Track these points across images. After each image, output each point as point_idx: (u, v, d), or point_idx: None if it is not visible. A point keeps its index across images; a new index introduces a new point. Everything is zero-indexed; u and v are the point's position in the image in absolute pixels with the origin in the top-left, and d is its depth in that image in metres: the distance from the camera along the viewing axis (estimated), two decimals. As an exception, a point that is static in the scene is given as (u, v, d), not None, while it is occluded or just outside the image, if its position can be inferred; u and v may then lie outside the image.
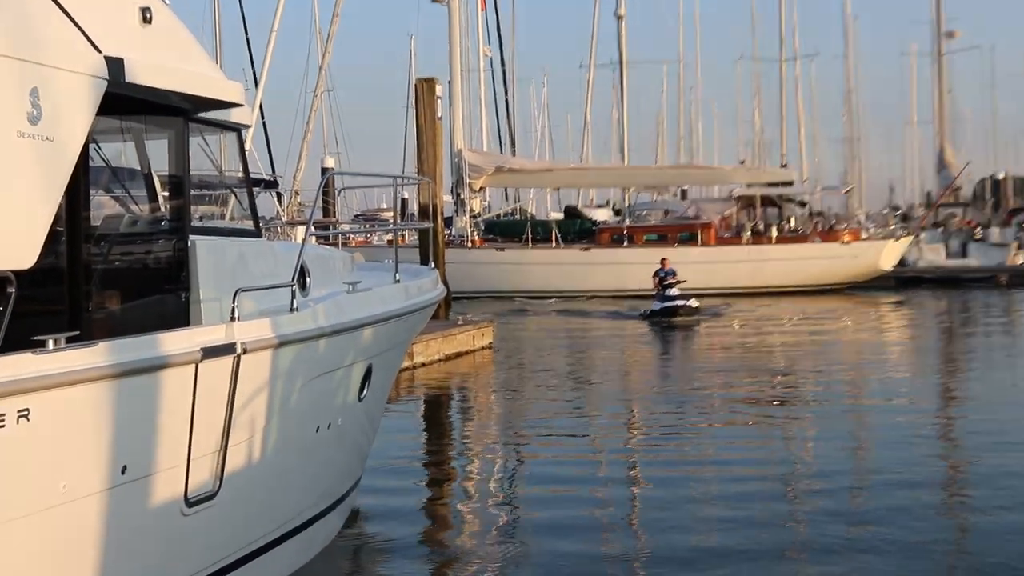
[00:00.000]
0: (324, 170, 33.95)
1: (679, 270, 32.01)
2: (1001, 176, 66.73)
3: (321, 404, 8.82)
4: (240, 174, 9.27)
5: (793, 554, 9.44)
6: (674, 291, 30.31)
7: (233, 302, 7.19)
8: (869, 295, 41.06)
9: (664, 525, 10.43)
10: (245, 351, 7.12)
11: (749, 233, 45.22)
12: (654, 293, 31.11)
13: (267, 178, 18.04)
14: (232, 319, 7.16)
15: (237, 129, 8.88)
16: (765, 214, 46.99)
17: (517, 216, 51.05)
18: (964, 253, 50.07)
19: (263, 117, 20.27)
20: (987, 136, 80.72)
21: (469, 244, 42.75)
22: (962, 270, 47.53)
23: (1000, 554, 9.41)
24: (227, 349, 6.98)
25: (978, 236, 51.62)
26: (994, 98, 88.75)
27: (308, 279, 8.57)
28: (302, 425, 8.47)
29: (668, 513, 10.90)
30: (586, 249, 43.82)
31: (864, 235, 48.19)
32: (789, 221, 47.59)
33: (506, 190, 53.49)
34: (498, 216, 50.08)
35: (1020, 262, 48.93)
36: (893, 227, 54.72)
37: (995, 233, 51.91)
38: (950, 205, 57.40)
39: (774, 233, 45.21)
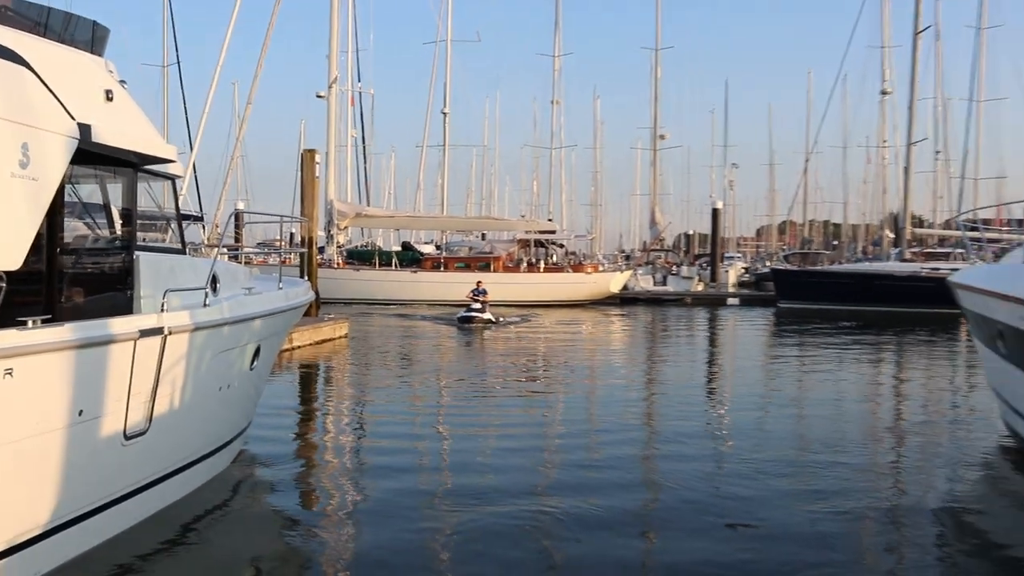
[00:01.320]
0: (236, 211, 33.76)
1: (487, 290, 32.60)
2: (690, 232, 68.69)
3: (222, 371, 8.95)
4: (172, 211, 9.39)
5: (543, 491, 9.51)
6: (477, 305, 30.53)
7: (163, 299, 7.57)
8: (603, 308, 42.02)
9: (463, 468, 10.44)
10: (170, 333, 7.45)
11: (525, 264, 46.02)
12: (465, 305, 31.28)
13: (195, 214, 17.93)
14: (161, 311, 7.49)
15: (172, 178, 9.03)
16: (537, 252, 47.69)
17: (369, 247, 51.12)
18: (665, 282, 51.34)
19: (195, 171, 20.13)
20: (683, 205, 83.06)
21: (336, 266, 42.89)
22: (663, 293, 48.70)
23: (680, 485, 9.71)
24: (157, 331, 7.31)
25: (674, 271, 53.10)
26: (689, 180, 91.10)
27: (218, 285, 8.83)
28: (208, 385, 8.66)
29: (465, 459, 10.97)
30: (415, 272, 44.22)
31: (601, 268, 49.23)
32: (552, 257, 48.39)
33: (363, 229, 53.60)
34: (356, 247, 50.12)
35: (699, 289, 50.53)
36: (620, 264, 56.13)
37: (685, 270, 53.54)
38: (657, 250, 58.72)
39: (542, 265, 46.11)
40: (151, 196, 8.83)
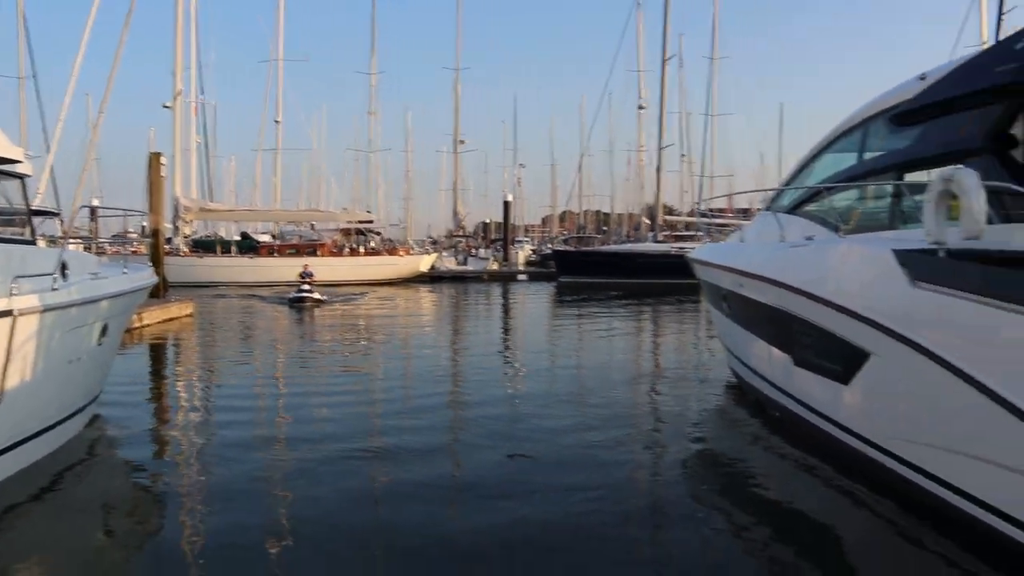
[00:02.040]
0: (90, 206, 32.00)
1: (314, 271, 31.68)
2: (488, 221, 69.23)
3: (72, 346, 8.42)
4: (24, 206, 8.91)
5: (368, 434, 9.59)
6: (307, 286, 29.73)
7: (12, 284, 7.04)
8: (415, 286, 41.82)
9: (298, 420, 10.34)
10: (20, 314, 7.00)
11: (348, 249, 45.39)
12: (295, 286, 30.43)
13: (52, 210, 16.99)
14: (11, 295, 7.01)
15: (22, 177, 8.50)
16: (357, 239, 47.06)
17: (212, 238, 49.33)
18: (466, 262, 51.63)
19: (53, 173, 19.27)
20: (481, 199, 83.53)
21: (182, 254, 41.07)
22: (465, 272, 48.93)
23: (480, 426, 9.88)
24: (7, 313, 6.89)
25: (473, 253, 53.57)
26: (486, 177, 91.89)
27: (67, 271, 8.27)
28: (59, 359, 8.13)
29: (300, 412, 10.79)
30: (252, 258, 42.86)
31: (412, 252, 49.03)
32: (371, 243, 47.86)
33: (206, 222, 51.76)
34: (201, 237, 48.33)
35: (495, 267, 51.05)
36: (428, 248, 56.00)
37: (482, 252, 54.14)
38: (459, 236, 59.06)
39: (362, 250, 45.56)
40: (2, 194, 8.45)
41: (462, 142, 59.82)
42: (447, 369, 15.21)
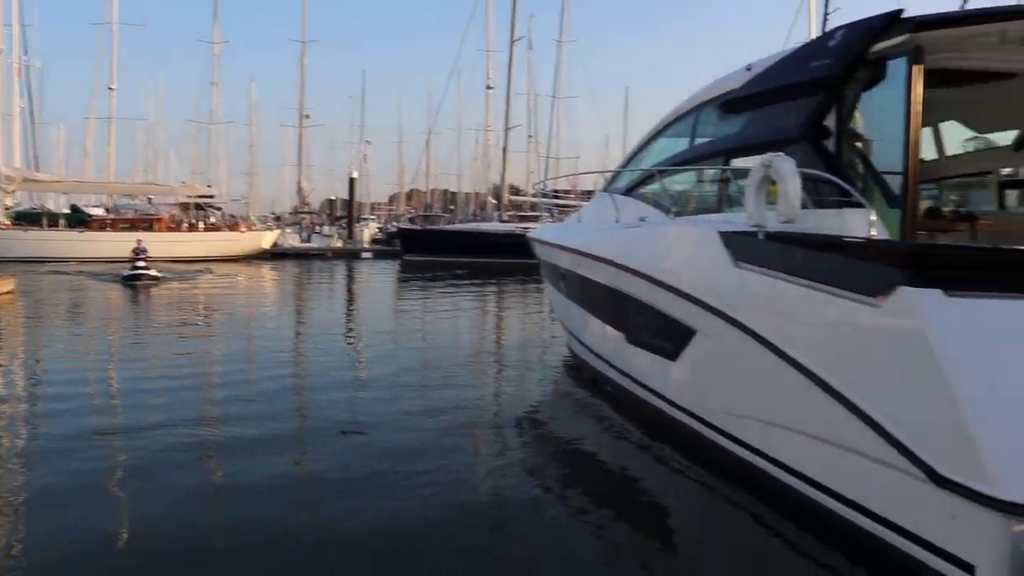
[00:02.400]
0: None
1: (149, 248, 30.12)
2: (333, 198, 68.03)
3: None
4: None
5: (204, 422, 9.27)
6: (142, 263, 28.23)
7: None
8: (257, 263, 40.51)
9: (131, 407, 9.95)
10: None
11: (186, 224, 43.56)
12: (129, 262, 28.85)
13: None
14: None
15: None
16: (197, 214, 45.21)
17: (39, 210, 46.33)
18: (310, 239, 50.64)
19: None
20: (327, 175, 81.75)
21: (3, 227, 38.48)
22: (308, 249, 47.96)
23: (319, 409, 9.69)
24: None
25: (317, 230, 52.56)
26: (332, 153, 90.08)
27: None
28: None
29: (133, 399, 10.32)
30: (82, 232, 40.48)
31: (254, 228, 47.59)
32: (211, 218, 46.10)
33: (31, 193, 48.68)
34: (25, 210, 45.32)
35: (339, 245, 50.25)
36: (271, 224, 54.54)
37: (327, 229, 53.20)
38: (304, 212, 57.81)
39: (201, 225, 43.80)
40: None
41: (307, 116, 58.67)
42: (290, 351, 14.85)
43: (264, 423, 9.03)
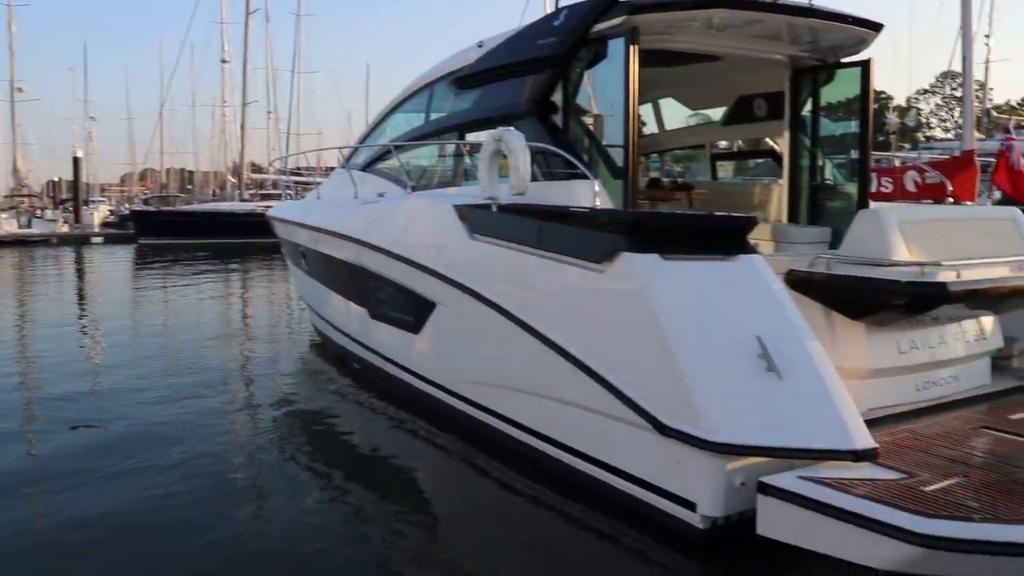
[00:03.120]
0: None
1: None
2: (57, 179, 62.92)
3: None
4: None
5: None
6: None
7: None
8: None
9: None
10: None
11: None
12: None
13: None
14: None
15: None
16: None
17: None
18: (30, 224, 46.30)
19: None
20: (48, 154, 75.26)
21: None
22: (28, 235, 43.81)
23: (55, 409, 8.89)
24: None
25: (39, 214, 48.16)
26: (52, 131, 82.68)
27: None
28: None
29: None
30: None
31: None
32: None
33: None
34: None
35: (65, 230, 46.38)
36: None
37: (50, 213, 48.90)
38: (22, 195, 52.79)
39: None
40: None
41: (20, 90, 53.34)
42: (13, 347, 13.46)
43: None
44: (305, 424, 8.58)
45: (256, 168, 55.55)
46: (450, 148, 9.23)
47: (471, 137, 8.82)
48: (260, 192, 48.94)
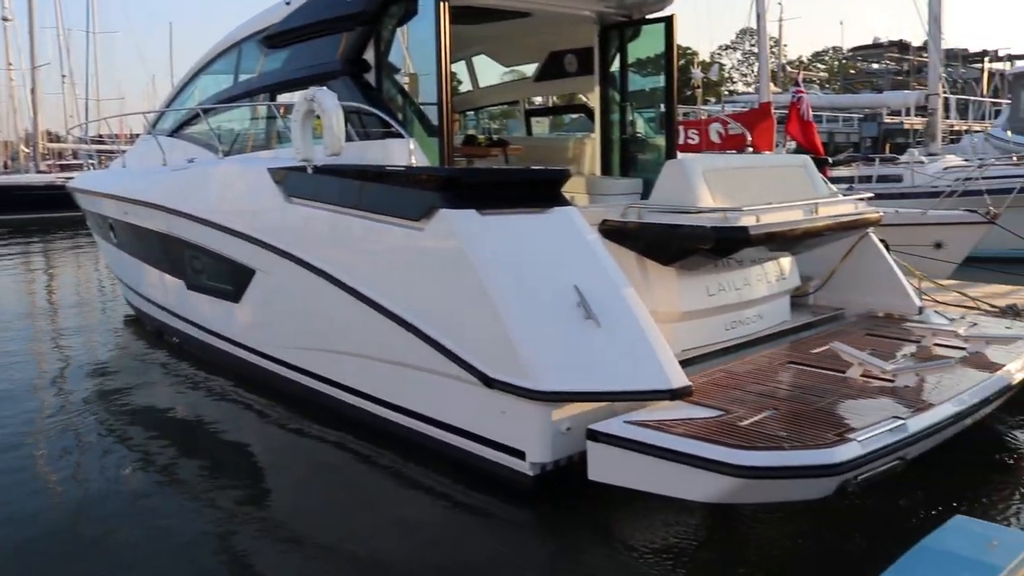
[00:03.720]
0: None
1: None
2: None
3: None
4: None
5: None
6: None
7: None
8: None
9: None
10: None
11: None
12: None
13: None
14: None
15: None
16: None
17: None
18: None
19: None
20: None
21: None
22: None
23: None
24: None
25: None
26: None
27: None
28: None
29: None
30: None
31: None
32: None
33: None
34: None
35: None
36: None
37: None
38: None
39: None
40: None
41: None
42: None
43: None
44: (123, 400, 8.12)
45: (53, 137, 51.74)
46: (262, 110, 8.91)
47: (283, 98, 8.54)
48: (59, 163, 45.68)
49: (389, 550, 4.88)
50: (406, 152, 6.41)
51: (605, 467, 4.90)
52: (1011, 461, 6.16)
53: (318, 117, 6.65)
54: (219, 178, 8.23)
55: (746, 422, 4.85)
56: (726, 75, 67.11)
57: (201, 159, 9.19)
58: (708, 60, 57.69)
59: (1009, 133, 24.01)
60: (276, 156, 7.82)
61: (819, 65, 73.50)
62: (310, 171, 6.70)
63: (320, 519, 5.32)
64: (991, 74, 46.56)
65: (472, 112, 12.53)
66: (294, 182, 6.90)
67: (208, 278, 8.48)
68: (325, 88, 6.71)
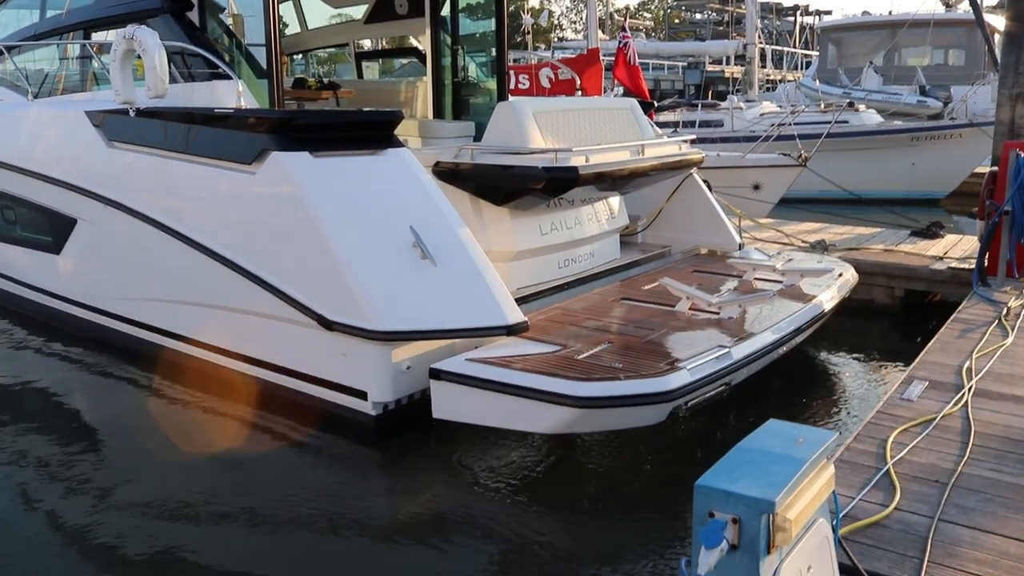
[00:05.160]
0: None
1: None
2: None
3: None
4: None
5: None
6: None
7: None
8: None
9: None
10: None
11: None
12: None
13: None
14: None
15: None
16: None
17: None
18: None
19: None
20: None
21: None
22: None
23: None
24: None
25: None
26: None
27: None
28: None
29: None
30: None
31: None
32: None
33: None
34: None
35: None
36: None
37: None
38: None
39: None
40: None
41: None
42: None
43: None
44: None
45: None
46: (75, 49, 8.40)
47: (98, 37, 8.08)
48: None
49: (223, 494, 4.83)
50: (234, 94, 6.24)
51: (448, 404, 5.02)
52: (820, 379, 6.77)
53: (139, 57, 6.35)
54: (31, 122, 7.73)
55: (583, 355, 5.08)
56: (555, 22, 67.78)
57: (8, 101, 8.58)
58: (538, 7, 58.08)
59: (818, 82, 25.58)
60: (93, 98, 7.43)
61: (645, 14, 75.50)
62: (132, 114, 6.41)
63: (151, 473, 5.18)
64: (803, 27, 49.22)
65: (300, 56, 12.20)
66: (115, 126, 6.59)
67: (23, 229, 8.00)
68: (144, 26, 6.40)
